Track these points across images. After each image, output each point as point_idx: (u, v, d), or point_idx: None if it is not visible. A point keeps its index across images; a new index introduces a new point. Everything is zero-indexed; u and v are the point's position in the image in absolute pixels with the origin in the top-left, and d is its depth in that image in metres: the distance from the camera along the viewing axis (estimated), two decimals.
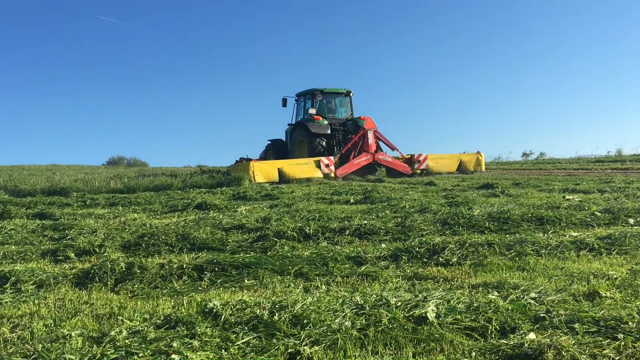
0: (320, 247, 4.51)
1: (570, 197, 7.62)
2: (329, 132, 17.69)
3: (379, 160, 17.20)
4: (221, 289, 3.36)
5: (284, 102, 19.46)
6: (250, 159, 17.92)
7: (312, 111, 18.19)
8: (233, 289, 3.34)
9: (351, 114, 19.12)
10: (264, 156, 20.16)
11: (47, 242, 5.41)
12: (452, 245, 3.95)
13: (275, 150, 19.82)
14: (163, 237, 4.80)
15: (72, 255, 4.44)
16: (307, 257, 3.97)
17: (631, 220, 5.08)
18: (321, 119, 17.96)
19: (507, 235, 4.70)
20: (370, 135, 17.05)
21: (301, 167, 16.01)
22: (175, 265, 3.74)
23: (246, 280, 3.48)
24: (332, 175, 16.08)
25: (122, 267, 3.69)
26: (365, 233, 4.85)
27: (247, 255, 3.89)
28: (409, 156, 17.88)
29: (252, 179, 14.72)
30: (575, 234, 4.51)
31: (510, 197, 8.56)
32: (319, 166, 16.02)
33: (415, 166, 17.50)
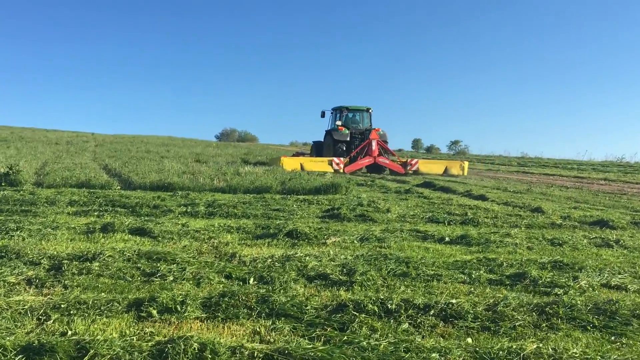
0: (400, 331, 4.27)
1: None
2: (348, 139, 24.29)
3: (379, 162, 23.57)
4: None
5: (322, 114, 25.71)
6: (303, 154, 27.25)
7: (338, 123, 24.92)
8: None
9: (370, 125, 25.45)
10: (311, 153, 27.31)
11: (138, 280, 5.57)
12: None
13: (316, 149, 26.48)
14: (243, 298, 4.76)
15: (155, 313, 4.50)
16: (383, 353, 3.75)
17: None
18: (344, 129, 24.48)
19: (612, 338, 4.21)
20: (374, 143, 23.42)
21: (317, 164, 22.54)
22: (247, 353, 3.66)
23: None
24: (341, 171, 22.36)
25: (194, 349, 3.67)
26: (451, 316, 4.53)
27: (320, 349, 3.73)
28: (404, 160, 24.76)
29: (282, 168, 20.13)
30: None
31: (627, 249, 7.79)
32: (330, 164, 22.47)
33: (408, 168, 23.77)
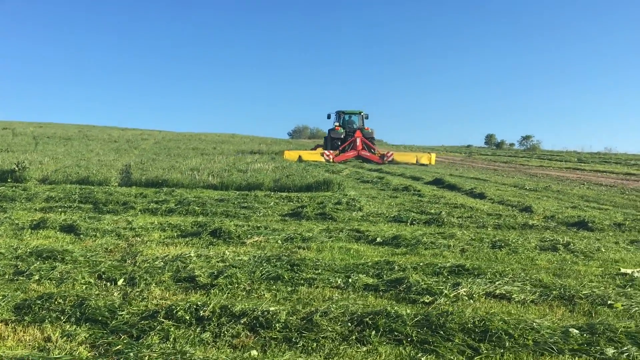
0: (196, 341, 3.95)
1: (629, 271, 6.01)
2: (342, 136, 30.51)
3: (361, 154, 29.29)
4: None
5: (329, 116, 32.79)
6: (320, 146, 33.03)
7: (336, 123, 31.67)
8: None
9: (362, 125, 31.71)
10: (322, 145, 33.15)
11: (4, 279, 5.51)
12: None
13: (324, 143, 32.43)
14: (60, 301, 4.58)
15: None
16: None
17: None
18: (340, 128, 31.00)
19: (418, 354, 3.72)
20: (358, 140, 29.49)
21: (312, 155, 28.53)
22: None
23: None
24: (331, 161, 27.83)
25: None
26: (261, 325, 4.15)
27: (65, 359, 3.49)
28: (383, 153, 30.06)
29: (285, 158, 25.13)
30: None
31: (572, 254, 7.05)
32: (322, 155, 28.26)
33: (384, 159, 28.79)
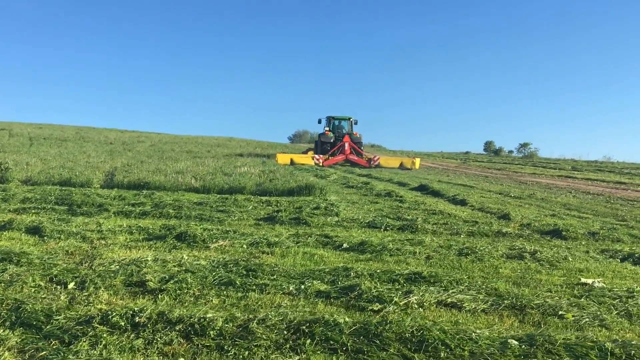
0: (127, 348, 3.86)
1: (590, 281, 5.92)
2: (332, 141, 31.66)
3: (349, 158, 30.36)
4: None
5: (319, 121, 33.49)
6: (311, 149, 34.16)
7: (326, 128, 32.74)
8: None
9: (350, 130, 32.92)
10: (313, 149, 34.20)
11: None
12: None
13: (315, 147, 33.55)
14: None
15: None
16: None
17: None
18: (329, 133, 32.13)
19: None
20: (347, 145, 30.61)
21: (303, 158, 29.26)
22: None
23: None
24: (321, 164, 28.63)
25: None
26: (196, 332, 4.07)
27: None
28: (370, 157, 31.35)
29: (277, 162, 26.18)
30: None
31: (537, 262, 6.96)
32: (313, 159, 29.19)
33: (371, 163, 30.09)
